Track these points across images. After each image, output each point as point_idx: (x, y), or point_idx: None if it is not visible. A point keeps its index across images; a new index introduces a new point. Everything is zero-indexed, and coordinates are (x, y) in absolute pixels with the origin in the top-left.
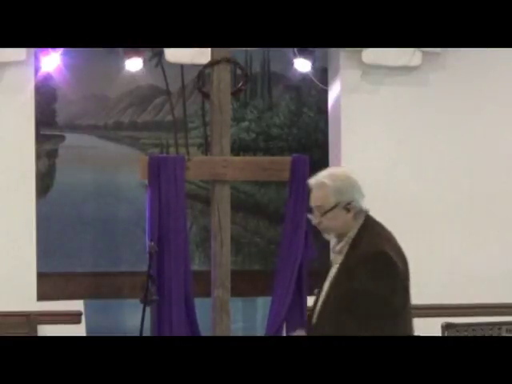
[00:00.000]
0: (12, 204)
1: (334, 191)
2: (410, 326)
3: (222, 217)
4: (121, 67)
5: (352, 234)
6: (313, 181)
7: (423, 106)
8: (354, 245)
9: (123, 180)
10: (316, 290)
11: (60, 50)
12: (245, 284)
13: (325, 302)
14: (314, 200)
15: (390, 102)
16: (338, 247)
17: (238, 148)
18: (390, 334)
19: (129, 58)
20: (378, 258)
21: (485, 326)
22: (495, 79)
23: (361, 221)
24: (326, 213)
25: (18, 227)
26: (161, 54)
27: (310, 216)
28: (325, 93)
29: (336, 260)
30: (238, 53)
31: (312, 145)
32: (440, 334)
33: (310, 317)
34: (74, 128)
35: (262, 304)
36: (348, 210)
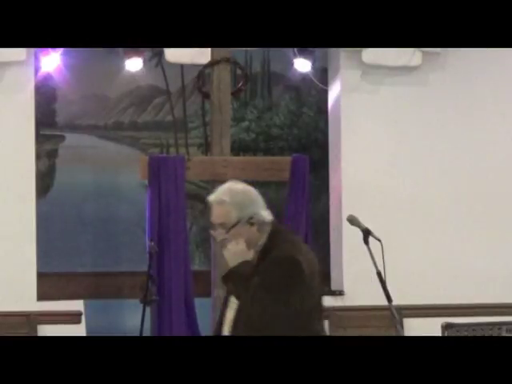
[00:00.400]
0: (12, 204)
1: (235, 207)
2: (321, 327)
3: None
4: (121, 67)
5: (261, 243)
6: (212, 198)
7: (423, 106)
8: (264, 255)
9: (123, 180)
10: (224, 297)
11: (60, 50)
12: None
13: (240, 310)
14: (216, 217)
15: (390, 102)
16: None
17: (238, 148)
18: (304, 334)
19: (129, 58)
20: (285, 263)
21: (485, 326)
22: (495, 79)
23: (267, 231)
24: (229, 229)
25: (18, 227)
26: (161, 54)
27: (213, 233)
28: (325, 93)
29: (230, 260)
30: (238, 53)
31: (312, 145)
32: (440, 334)
33: (220, 323)
34: (73, 128)
35: None
36: (251, 224)
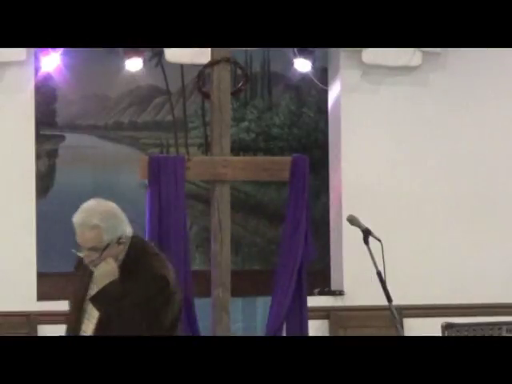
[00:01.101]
0: (12, 204)
1: (106, 231)
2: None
3: (222, 217)
4: (121, 67)
5: (121, 256)
6: (80, 221)
7: (423, 106)
8: (127, 268)
9: (123, 180)
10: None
11: (60, 50)
12: (245, 284)
13: (104, 328)
14: (86, 241)
15: (390, 102)
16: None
17: (238, 148)
18: None
19: (129, 58)
20: (156, 282)
21: (485, 326)
22: (495, 79)
23: (127, 243)
24: (102, 252)
25: (18, 227)
26: (161, 54)
27: (81, 255)
28: (325, 93)
29: (101, 280)
30: (238, 53)
31: (312, 145)
32: (440, 334)
33: (76, 330)
34: (74, 128)
35: (262, 304)
36: (120, 244)
